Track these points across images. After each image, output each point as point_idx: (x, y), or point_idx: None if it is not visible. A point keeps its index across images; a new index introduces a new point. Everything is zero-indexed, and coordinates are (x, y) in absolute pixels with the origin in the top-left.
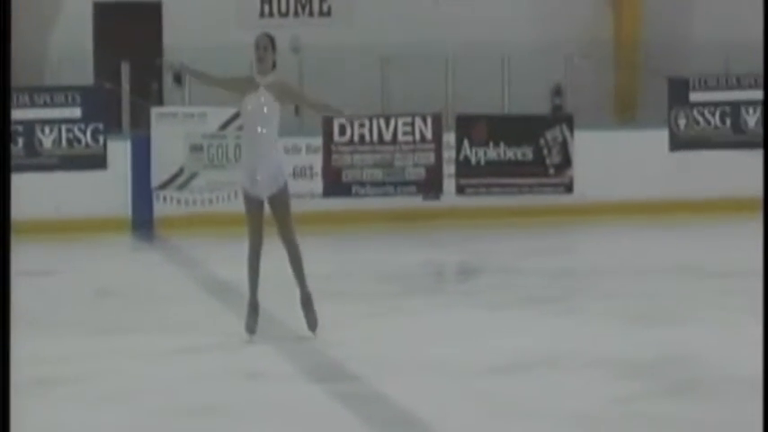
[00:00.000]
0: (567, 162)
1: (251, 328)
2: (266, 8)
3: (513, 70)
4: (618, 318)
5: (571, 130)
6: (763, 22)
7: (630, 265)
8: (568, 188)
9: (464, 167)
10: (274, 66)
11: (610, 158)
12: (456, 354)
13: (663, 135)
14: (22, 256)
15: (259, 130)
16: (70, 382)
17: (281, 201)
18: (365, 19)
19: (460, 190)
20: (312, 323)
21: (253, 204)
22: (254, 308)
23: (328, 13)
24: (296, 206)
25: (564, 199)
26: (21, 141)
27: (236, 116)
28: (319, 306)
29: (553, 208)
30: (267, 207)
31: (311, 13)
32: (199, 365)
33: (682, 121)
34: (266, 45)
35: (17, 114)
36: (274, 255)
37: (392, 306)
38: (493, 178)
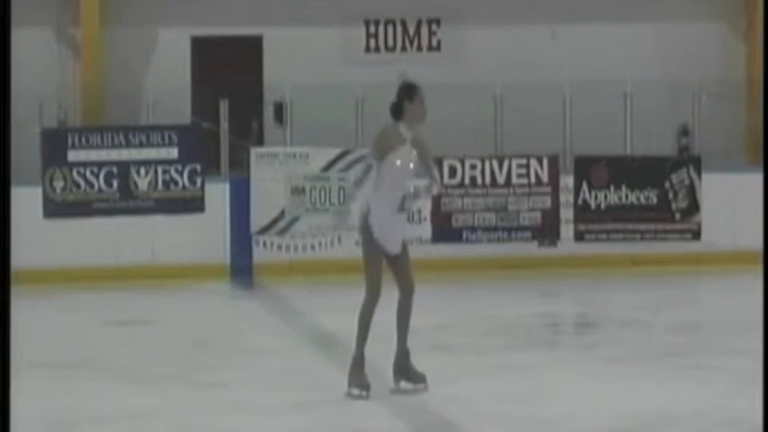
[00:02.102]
0: (694, 207)
1: (364, 384)
2: (372, 42)
3: (636, 109)
4: (746, 376)
5: (699, 172)
6: (763, 25)
7: (761, 319)
8: (696, 235)
9: (583, 212)
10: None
11: (740, 203)
12: (572, 413)
13: None
14: (117, 304)
15: (405, 185)
16: None
17: (405, 252)
18: (477, 54)
19: (579, 236)
20: (418, 377)
21: (378, 256)
22: (361, 362)
23: (438, 48)
24: None
25: (691, 246)
26: (116, 183)
27: (339, 157)
28: (429, 359)
29: (679, 256)
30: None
31: (420, 48)
32: (301, 422)
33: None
34: (421, 98)
35: (112, 155)
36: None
37: (505, 360)
38: (614, 224)
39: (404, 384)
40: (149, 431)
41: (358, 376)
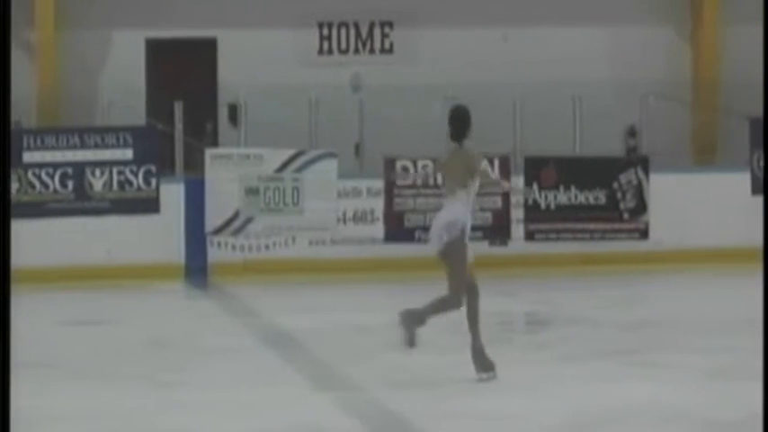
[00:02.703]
0: (642, 207)
1: (411, 341)
2: (325, 45)
3: (584, 110)
4: (696, 372)
5: (646, 172)
6: (763, 27)
7: (709, 316)
8: (644, 234)
9: (533, 212)
10: None
11: (687, 203)
12: (525, 409)
13: (744, 178)
14: (71, 304)
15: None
16: None
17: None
18: (429, 56)
19: (529, 236)
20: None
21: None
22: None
23: (390, 51)
24: (356, 252)
25: (639, 246)
26: (71, 184)
27: (293, 158)
28: (382, 357)
29: (627, 255)
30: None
31: (372, 51)
32: (256, 421)
33: (763, 163)
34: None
35: (67, 156)
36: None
37: (457, 358)
38: (563, 224)
39: (485, 375)
40: (106, 430)
41: (482, 360)
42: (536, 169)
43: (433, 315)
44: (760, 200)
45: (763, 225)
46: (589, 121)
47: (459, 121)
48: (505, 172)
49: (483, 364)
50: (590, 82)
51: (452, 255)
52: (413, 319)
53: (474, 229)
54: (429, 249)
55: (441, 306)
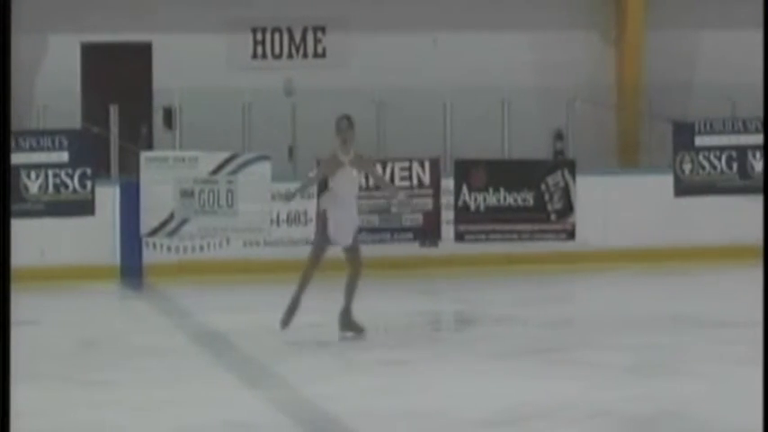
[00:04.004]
0: (568, 208)
1: (286, 321)
2: (259, 49)
3: (512, 114)
4: (616, 369)
5: (573, 175)
6: (764, 27)
7: (631, 314)
8: (570, 235)
9: (463, 213)
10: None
11: (613, 204)
12: (451, 406)
13: (667, 180)
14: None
15: (350, 200)
16: None
17: (356, 245)
18: (361, 61)
19: (459, 237)
20: (358, 328)
21: (326, 248)
22: (295, 305)
23: (323, 55)
24: (289, 253)
25: (566, 246)
26: None
27: (227, 161)
28: (309, 356)
29: (554, 255)
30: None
31: (305, 55)
32: (186, 419)
33: (687, 166)
34: (348, 127)
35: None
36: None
37: (386, 357)
38: (492, 225)
39: (348, 334)
40: (31, 428)
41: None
42: (466, 172)
43: (352, 299)
44: (682, 201)
45: (763, 225)
46: (517, 125)
47: (351, 130)
48: (436, 174)
49: (348, 324)
50: (518, 86)
51: (357, 247)
52: (345, 318)
53: (405, 230)
54: (341, 243)
55: (353, 288)
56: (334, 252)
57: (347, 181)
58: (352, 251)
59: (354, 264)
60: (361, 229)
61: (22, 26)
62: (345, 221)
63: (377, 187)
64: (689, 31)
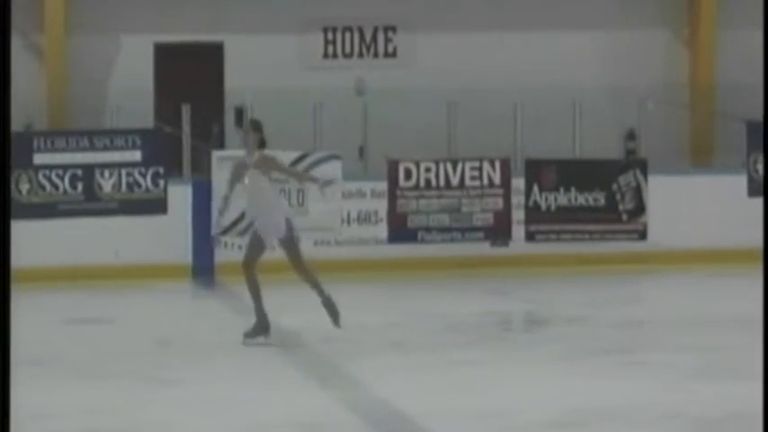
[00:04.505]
0: (640, 208)
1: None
2: (330, 49)
3: (584, 114)
4: (686, 371)
5: (645, 175)
6: (763, 27)
7: (702, 315)
8: (642, 235)
9: (534, 213)
10: (262, 144)
11: (685, 205)
12: (520, 407)
13: (740, 180)
14: (80, 303)
15: (266, 201)
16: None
17: (289, 244)
18: (431, 61)
19: (530, 236)
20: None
21: (259, 252)
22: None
23: (394, 55)
24: (360, 252)
25: (637, 246)
26: (80, 185)
27: (298, 160)
28: (383, 355)
29: (625, 256)
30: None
31: (376, 55)
32: (256, 418)
33: (760, 166)
34: (248, 130)
35: (77, 158)
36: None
37: (455, 357)
38: (563, 225)
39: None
40: (105, 427)
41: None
42: (537, 171)
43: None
44: (756, 202)
45: (763, 225)
46: (588, 125)
47: (254, 133)
48: (507, 174)
49: (332, 307)
50: (588, 86)
51: (293, 241)
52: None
53: (475, 229)
54: (268, 244)
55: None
56: (405, 252)
57: (256, 183)
58: (288, 250)
59: (296, 261)
60: (430, 229)
61: (95, 27)
62: (267, 223)
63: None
64: (762, 29)
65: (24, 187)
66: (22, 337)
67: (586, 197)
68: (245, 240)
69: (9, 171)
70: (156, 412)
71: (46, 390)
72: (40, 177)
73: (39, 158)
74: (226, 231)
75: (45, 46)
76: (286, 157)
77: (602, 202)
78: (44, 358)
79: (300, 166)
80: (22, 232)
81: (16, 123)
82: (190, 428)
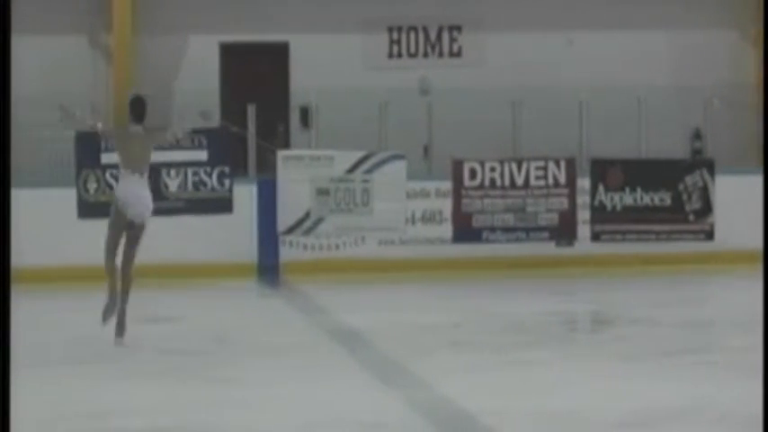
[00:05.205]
0: (707, 208)
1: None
2: (395, 49)
3: (649, 113)
4: (752, 372)
5: (712, 175)
6: (764, 24)
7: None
8: (709, 235)
9: (599, 213)
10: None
11: (752, 205)
12: (584, 407)
13: None
14: (145, 301)
15: (139, 176)
16: (185, 430)
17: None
18: (496, 60)
19: (595, 236)
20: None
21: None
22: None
23: (459, 54)
24: (424, 252)
25: (704, 246)
26: None
27: (363, 159)
28: (447, 355)
29: (692, 256)
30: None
31: (441, 54)
32: (320, 416)
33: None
34: (138, 106)
35: None
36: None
37: (519, 357)
38: (629, 225)
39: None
40: (169, 424)
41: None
42: (602, 171)
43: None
44: None
45: (763, 226)
46: (654, 124)
47: (142, 107)
48: (572, 174)
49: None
50: (654, 85)
51: (143, 227)
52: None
53: (540, 229)
54: (133, 216)
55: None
56: (470, 251)
57: (133, 155)
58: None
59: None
60: (495, 229)
61: (162, 28)
62: (132, 197)
63: None
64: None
65: (92, 186)
66: (91, 334)
67: (652, 197)
68: (309, 240)
69: (9, 171)
70: (220, 411)
71: (112, 387)
72: (108, 177)
73: (106, 158)
74: (290, 230)
75: (113, 46)
76: (351, 157)
77: (668, 202)
78: (112, 356)
79: (365, 166)
80: (90, 230)
81: (84, 123)
82: (255, 427)
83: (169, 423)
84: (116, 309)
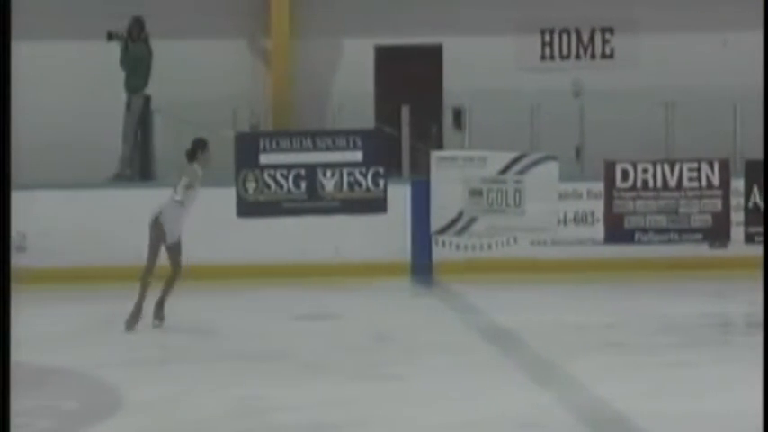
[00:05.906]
0: None
1: (130, 326)
2: (547, 51)
3: None
4: None
5: None
6: (764, 22)
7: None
8: None
9: (754, 215)
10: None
11: None
12: (737, 409)
13: None
14: (302, 299)
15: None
16: (343, 427)
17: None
18: (649, 62)
19: (749, 238)
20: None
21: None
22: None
23: (611, 56)
24: (576, 253)
25: None
26: (303, 185)
27: (515, 161)
28: (600, 356)
29: None
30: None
31: (593, 56)
32: (474, 415)
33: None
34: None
35: (300, 158)
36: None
37: (675, 358)
38: None
39: (157, 322)
40: (331, 420)
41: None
42: (757, 173)
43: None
44: None
45: (764, 228)
46: None
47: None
48: (726, 175)
49: (158, 314)
50: None
51: (179, 247)
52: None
53: (693, 231)
54: (169, 239)
55: (172, 285)
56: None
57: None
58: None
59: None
60: (647, 230)
61: (318, 32)
62: (178, 223)
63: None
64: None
65: (251, 186)
66: (251, 332)
67: None
68: (462, 240)
69: (9, 171)
70: (378, 407)
71: (276, 384)
72: (266, 177)
73: (264, 158)
74: (443, 231)
75: (271, 49)
76: (504, 158)
77: None
78: (273, 353)
79: (517, 167)
80: (249, 229)
81: (243, 124)
82: (411, 423)
83: (334, 419)
84: (140, 318)
